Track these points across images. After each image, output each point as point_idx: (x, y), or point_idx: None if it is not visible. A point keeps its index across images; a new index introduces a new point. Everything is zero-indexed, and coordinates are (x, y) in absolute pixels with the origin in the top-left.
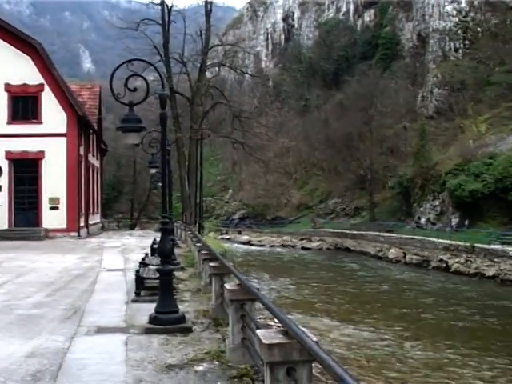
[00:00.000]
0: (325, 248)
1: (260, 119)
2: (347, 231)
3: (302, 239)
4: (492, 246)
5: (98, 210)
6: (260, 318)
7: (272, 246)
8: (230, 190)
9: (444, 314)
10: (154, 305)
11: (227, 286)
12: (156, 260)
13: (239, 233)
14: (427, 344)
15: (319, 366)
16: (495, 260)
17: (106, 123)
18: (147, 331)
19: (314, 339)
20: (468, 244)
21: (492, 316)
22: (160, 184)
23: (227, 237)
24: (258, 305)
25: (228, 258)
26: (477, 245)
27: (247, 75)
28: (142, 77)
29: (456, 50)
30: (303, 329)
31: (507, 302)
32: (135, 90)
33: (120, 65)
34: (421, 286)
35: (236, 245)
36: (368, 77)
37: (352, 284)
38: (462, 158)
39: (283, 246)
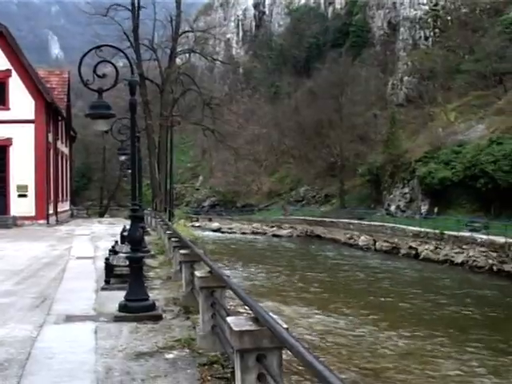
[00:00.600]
0: (295, 235)
1: (230, 106)
2: (318, 218)
3: (272, 226)
4: (461, 233)
5: (67, 197)
6: (230, 306)
7: (243, 234)
8: (201, 177)
9: (418, 302)
10: (123, 292)
11: (197, 273)
12: (126, 247)
13: (209, 220)
14: (402, 332)
15: (290, 353)
16: (464, 247)
17: (75, 110)
18: (117, 319)
19: (285, 326)
20: (437, 231)
21: (469, 304)
22: (130, 171)
23: (197, 224)
24: (229, 292)
25: (198, 246)
26: (446, 232)
27: (218, 62)
28: (112, 63)
29: (426, 38)
30: (273, 316)
31: (479, 289)
32: (104, 76)
33: (89, 51)
34: (393, 274)
35: (206, 232)
36: (339, 64)
37: (324, 271)
38: (431, 145)
39: (254, 233)
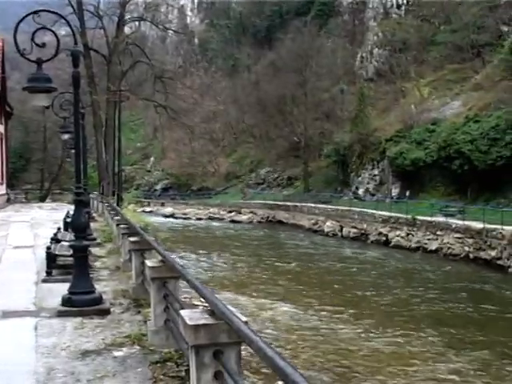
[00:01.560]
0: (256, 221)
1: (185, 80)
2: (280, 203)
3: (230, 211)
4: (434, 219)
5: (2, 180)
6: (185, 298)
7: (198, 219)
8: (152, 158)
9: (390, 292)
10: (67, 285)
11: (148, 262)
12: (69, 235)
13: (162, 205)
14: (373, 328)
15: (250, 349)
16: (438, 233)
17: (11, 83)
18: (60, 314)
19: (244, 319)
20: (409, 216)
21: (450, 299)
22: (73, 151)
23: (149, 209)
24: (183, 283)
25: (150, 233)
26: (418, 217)
27: (170, 31)
28: (52, 31)
29: (398, 6)
30: (232, 308)
31: (456, 279)
32: (44, 45)
33: (25, 16)
34: (363, 263)
35: (159, 218)
36: (303, 35)
37: (288, 260)
38: (403, 123)
39: (210, 218)
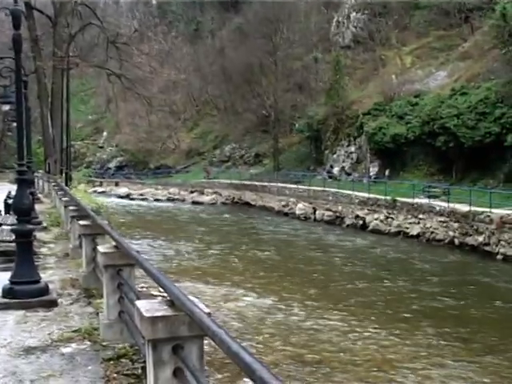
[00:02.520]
0: (220, 202)
1: (141, 46)
2: (247, 182)
3: (192, 192)
4: (416, 200)
5: None
6: (142, 288)
7: (157, 200)
8: (105, 133)
9: (368, 280)
10: (8, 274)
11: (101, 248)
12: (11, 218)
13: (116, 184)
14: (351, 319)
15: (213, 343)
16: (420, 216)
17: None
18: (0, 307)
19: (206, 311)
20: (389, 198)
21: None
22: (15, 124)
23: (102, 189)
24: (140, 271)
25: (102, 216)
26: (399, 199)
27: None
28: None
29: None
30: (194, 299)
31: (441, 268)
32: None
33: None
34: (341, 249)
35: (113, 199)
36: None
37: (256, 245)
38: (382, 96)
39: (170, 199)
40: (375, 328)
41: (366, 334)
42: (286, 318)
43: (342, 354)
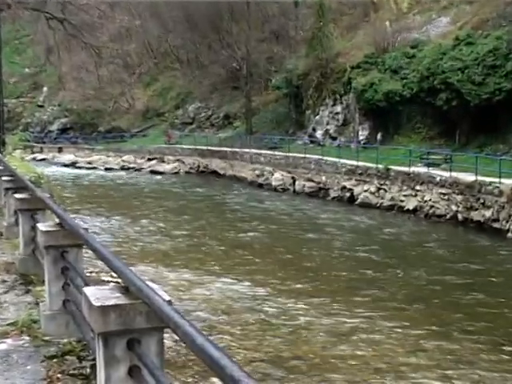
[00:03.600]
0: (183, 171)
1: None
2: (215, 148)
3: (150, 159)
4: (413, 169)
5: None
6: (91, 273)
7: (108, 170)
8: (45, 89)
9: (355, 262)
10: None
11: (41, 226)
12: None
13: (60, 151)
14: (339, 309)
15: (175, 337)
16: (417, 188)
17: None
18: None
19: (167, 298)
20: (381, 166)
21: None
22: None
23: (42, 156)
24: (88, 253)
25: (43, 188)
26: (393, 167)
27: None
28: None
29: None
30: (152, 285)
31: (445, 247)
32: None
33: None
34: (328, 227)
35: (56, 168)
36: None
37: (230, 223)
38: (374, 46)
39: (124, 169)
40: (391, 327)
41: (375, 336)
42: (265, 307)
43: (328, 348)
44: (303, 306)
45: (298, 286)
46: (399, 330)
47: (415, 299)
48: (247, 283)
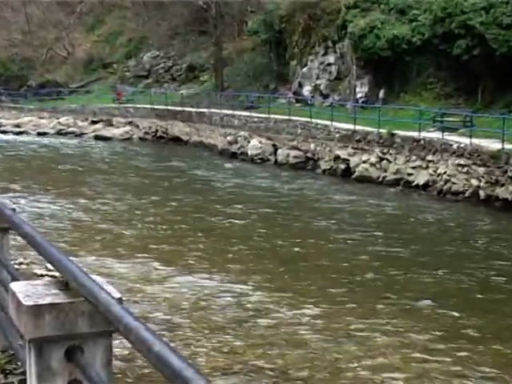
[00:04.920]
0: (137, 137)
1: None
2: (176, 108)
3: (95, 122)
4: (424, 135)
5: None
6: (20, 264)
7: (42, 135)
8: None
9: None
10: None
11: None
12: None
13: None
14: (316, 306)
15: (126, 343)
16: (429, 158)
17: None
18: None
19: (117, 296)
20: (384, 131)
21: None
22: None
23: None
24: (17, 239)
25: None
26: (399, 132)
27: None
28: None
29: None
30: (99, 279)
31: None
32: None
33: None
34: (321, 210)
35: None
36: None
37: (196, 204)
38: None
39: (62, 133)
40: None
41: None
42: (242, 310)
43: (308, 356)
44: (289, 305)
45: (282, 281)
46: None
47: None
48: (220, 278)
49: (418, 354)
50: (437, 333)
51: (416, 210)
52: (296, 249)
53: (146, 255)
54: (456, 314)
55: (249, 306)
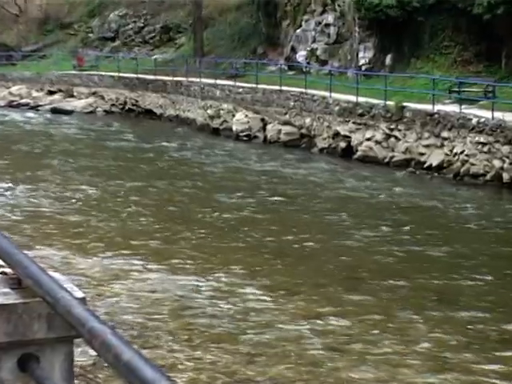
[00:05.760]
0: (102, 111)
1: None
2: (149, 77)
3: (52, 92)
4: (439, 108)
5: None
6: None
7: None
8: None
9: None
10: None
11: None
12: None
13: None
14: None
15: (89, 350)
16: (444, 135)
17: None
18: None
19: (79, 295)
20: (391, 103)
21: None
22: None
23: None
24: None
25: None
26: (409, 105)
27: None
28: None
29: None
30: (58, 276)
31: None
32: None
33: None
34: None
35: None
36: None
37: (172, 189)
38: None
39: (13, 106)
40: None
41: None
42: (224, 312)
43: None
44: (276, 306)
45: (273, 279)
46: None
47: None
48: (200, 276)
49: None
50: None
51: (441, 197)
52: (307, 247)
53: (118, 250)
54: None
55: (238, 312)
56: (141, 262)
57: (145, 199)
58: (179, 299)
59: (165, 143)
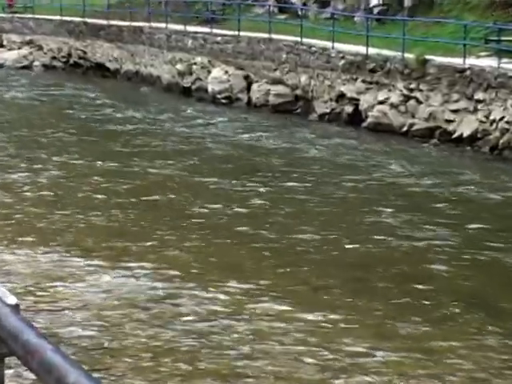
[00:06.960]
0: (40, 65)
1: None
2: (100, 22)
3: None
4: (471, 62)
5: None
6: None
7: None
8: None
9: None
10: None
11: None
12: None
13: None
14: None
15: (24, 373)
16: (478, 97)
17: None
18: None
19: (12, 301)
20: (411, 56)
21: None
22: None
23: None
24: None
25: None
26: (433, 58)
27: None
28: None
29: None
30: None
31: None
32: None
33: None
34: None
35: None
36: None
37: (133, 164)
38: None
39: None
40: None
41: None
42: (193, 322)
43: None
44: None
45: (263, 282)
46: None
47: None
48: (163, 276)
49: None
50: None
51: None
52: (270, 238)
53: (58, 241)
54: None
55: (205, 317)
56: (86, 258)
57: (111, 183)
58: (134, 305)
59: (110, 100)
